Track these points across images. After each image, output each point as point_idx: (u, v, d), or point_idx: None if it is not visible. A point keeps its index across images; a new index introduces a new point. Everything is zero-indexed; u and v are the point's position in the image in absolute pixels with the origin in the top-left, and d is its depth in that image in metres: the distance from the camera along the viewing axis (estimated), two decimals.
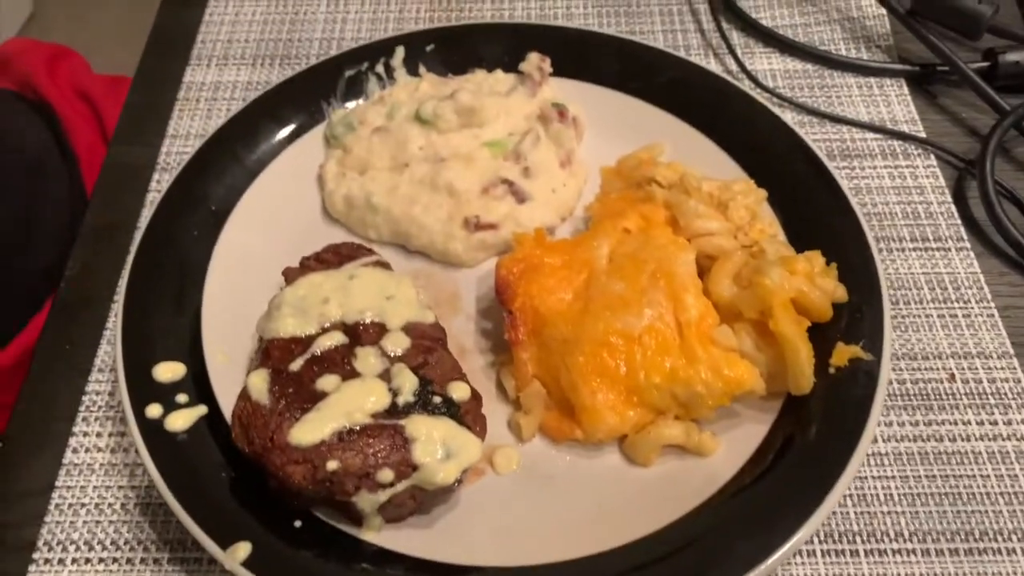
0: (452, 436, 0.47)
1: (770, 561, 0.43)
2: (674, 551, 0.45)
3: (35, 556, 0.50)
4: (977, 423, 0.53)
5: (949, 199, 0.64)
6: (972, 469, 0.52)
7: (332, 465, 0.44)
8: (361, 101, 0.68)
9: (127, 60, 0.89)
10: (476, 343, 0.57)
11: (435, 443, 0.46)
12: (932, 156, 0.67)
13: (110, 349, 0.59)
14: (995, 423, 0.53)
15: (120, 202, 0.68)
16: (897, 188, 0.65)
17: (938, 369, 0.56)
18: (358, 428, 0.46)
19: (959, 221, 0.63)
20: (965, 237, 0.62)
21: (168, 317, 0.55)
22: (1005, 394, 0.55)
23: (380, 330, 0.50)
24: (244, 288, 0.57)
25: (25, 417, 0.56)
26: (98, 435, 0.55)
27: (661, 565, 0.44)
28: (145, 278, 0.55)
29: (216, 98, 0.75)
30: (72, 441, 0.55)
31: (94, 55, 1.12)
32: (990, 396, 0.54)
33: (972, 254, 0.61)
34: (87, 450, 0.54)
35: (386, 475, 0.45)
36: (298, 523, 0.47)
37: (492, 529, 0.48)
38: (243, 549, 0.44)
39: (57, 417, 0.56)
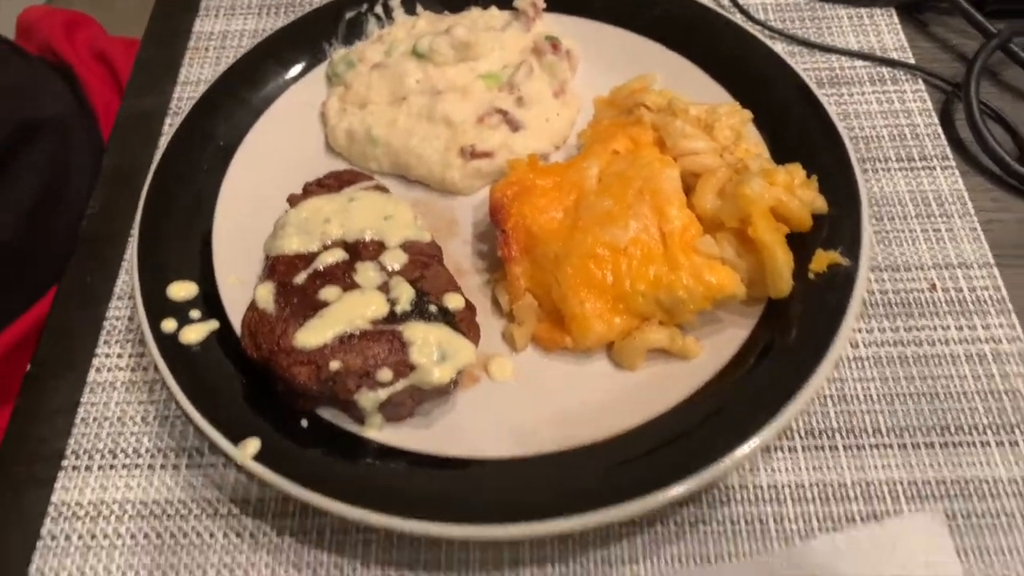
0: (447, 340, 0.49)
1: (746, 448, 0.45)
2: (657, 441, 0.47)
3: (64, 464, 0.54)
4: (956, 328, 0.55)
5: (936, 121, 0.66)
6: (950, 370, 0.54)
7: (334, 365, 0.47)
8: (361, 41, 0.70)
9: (140, 23, 0.92)
10: (472, 263, 0.59)
11: (431, 346, 0.49)
12: (920, 81, 0.68)
13: (128, 279, 0.62)
14: (973, 328, 0.55)
15: (135, 146, 0.71)
16: (885, 112, 0.67)
17: (920, 279, 0.58)
18: (358, 333, 0.49)
19: (945, 141, 0.64)
20: (950, 156, 0.63)
21: (181, 243, 0.58)
22: (985, 301, 0.56)
23: (379, 247, 0.53)
24: (252, 216, 0.59)
25: (52, 343, 0.60)
26: (119, 356, 0.58)
27: (645, 454, 0.47)
28: (159, 207, 0.59)
29: (224, 46, 0.77)
30: (95, 362, 0.58)
31: (108, 19, 1.15)
32: (970, 303, 0.56)
33: (957, 172, 0.63)
34: (109, 370, 0.58)
35: (385, 375, 0.48)
36: (304, 423, 0.50)
37: (488, 428, 0.51)
38: (252, 445, 0.47)
39: (81, 342, 0.59)
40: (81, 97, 1.02)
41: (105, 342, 0.59)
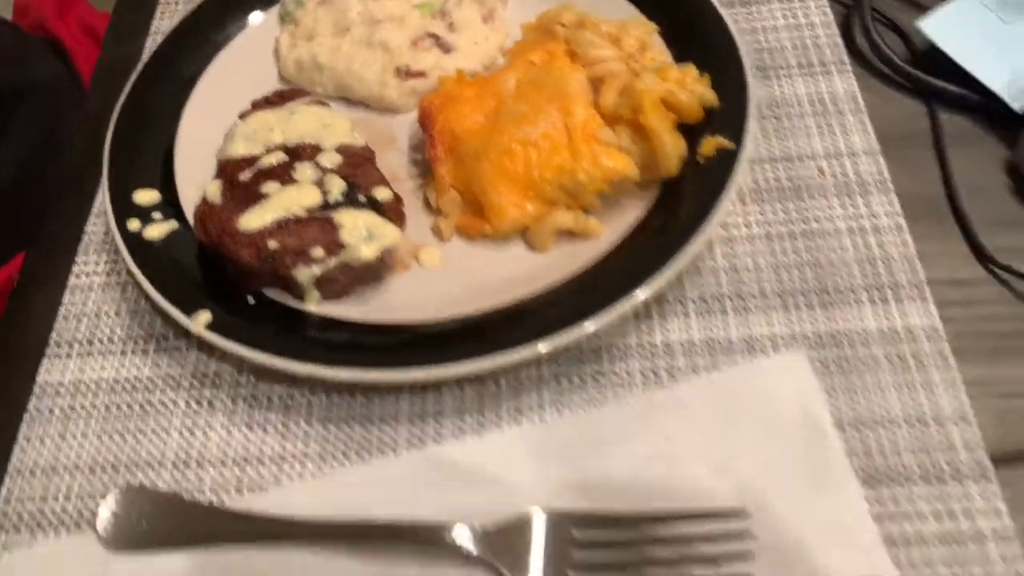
0: (374, 224, 0.56)
1: (639, 294, 0.52)
2: (563, 297, 0.55)
3: (47, 352, 0.61)
4: (841, 207, 0.61)
5: (836, 32, 0.71)
6: (833, 242, 0.59)
7: (272, 244, 0.54)
8: None
9: None
10: (407, 171, 0.66)
11: (359, 228, 0.55)
12: None
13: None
14: (856, 206, 0.61)
15: (112, 91, 0.78)
16: (790, 26, 0.72)
17: (811, 167, 0.63)
18: (294, 218, 0.55)
19: (843, 48, 0.70)
20: (847, 61, 0.69)
21: (146, 158, 0.65)
22: (868, 183, 0.62)
23: (316, 150, 0.60)
24: (210, 135, 0.66)
25: (36, 256, 0.67)
26: (95, 264, 0.65)
27: (553, 307, 0.54)
28: (128, 127, 0.66)
29: (191, 1, 0.84)
30: (75, 269, 0.65)
31: None
32: (855, 185, 0.62)
33: (852, 75, 0.68)
34: (87, 275, 0.65)
35: (318, 252, 0.54)
36: (251, 300, 0.57)
37: (417, 302, 0.57)
38: (204, 317, 0.54)
39: (62, 253, 0.66)
40: (71, 66, 1.12)
41: (84, 252, 0.66)
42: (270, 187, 0.57)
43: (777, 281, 0.58)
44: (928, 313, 0.55)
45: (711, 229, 0.54)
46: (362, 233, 0.55)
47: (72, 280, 0.65)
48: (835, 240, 0.59)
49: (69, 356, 0.60)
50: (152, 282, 0.56)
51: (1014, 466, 0.49)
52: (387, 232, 0.56)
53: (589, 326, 0.51)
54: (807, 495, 0.48)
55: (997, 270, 0.57)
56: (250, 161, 0.59)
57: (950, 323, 0.55)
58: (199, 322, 0.54)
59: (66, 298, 0.64)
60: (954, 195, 0.61)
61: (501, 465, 0.51)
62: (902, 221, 0.60)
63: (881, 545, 0.47)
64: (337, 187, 0.57)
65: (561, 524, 0.48)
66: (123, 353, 0.60)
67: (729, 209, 0.60)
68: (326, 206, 0.56)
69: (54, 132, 1.02)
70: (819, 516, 0.47)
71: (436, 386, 0.56)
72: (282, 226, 0.55)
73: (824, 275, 0.58)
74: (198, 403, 0.57)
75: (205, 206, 0.57)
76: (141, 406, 0.57)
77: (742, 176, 0.57)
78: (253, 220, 0.55)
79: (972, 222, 0.59)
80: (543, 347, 0.51)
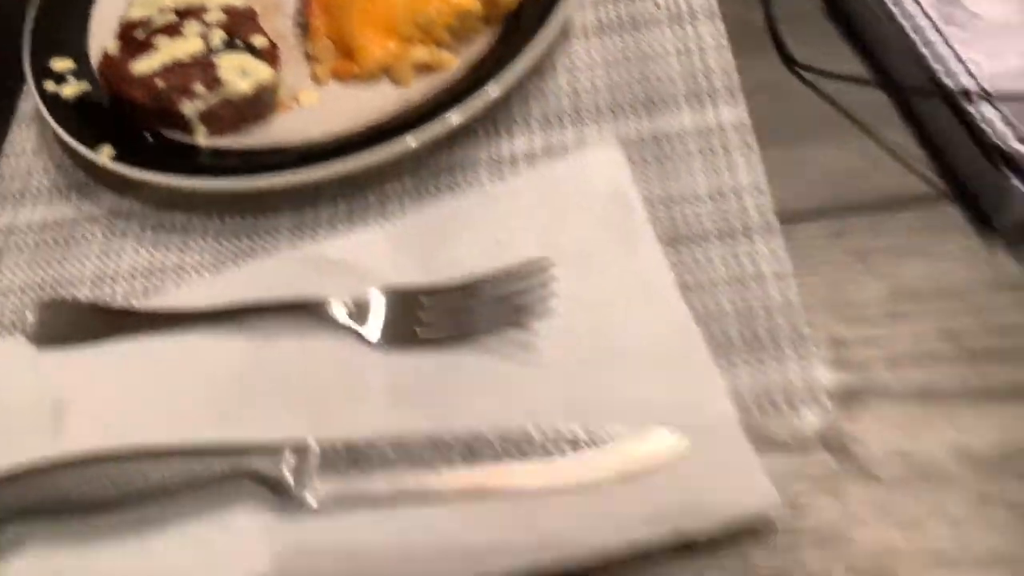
0: (249, 64, 0.64)
1: (489, 92, 0.60)
2: (424, 106, 0.63)
3: None
4: (672, 34, 0.68)
5: None
6: (662, 63, 0.67)
7: (160, 84, 0.63)
8: None
9: None
10: (291, 31, 0.73)
11: (236, 67, 0.64)
12: None
13: None
14: (686, 32, 0.68)
15: None
16: None
17: (648, 3, 0.71)
18: (179, 63, 0.64)
19: None
20: None
21: (63, 35, 0.73)
22: (697, 13, 0.69)
23: (202, 10, 0.68)
24: (120, 15, 0.74)
25: None
26: (27, 133, 0.74)
27: (416, 114, 0.62)
28: (45, 12, 0.74)
29: None
30: (8, 138, 0.74)
31: None
32: (686, 16, 0.69)
33: None
34: (20, 143, 0.73)
35: (200, 88, 0.63)
36: (149, 137, 0.65)
37: (297, 129, 0.65)
38: (108, 150, 0.63)
39: None
40: None
41: (17, 126, 0.75)
42: (160, 41, 0.65)
43: (611, 98, 0.66)
44: (739, 111, 0.63)
45: (551, 31, 0.63)
46: (238, 71, 0.63)
47: (6, 148, 0.73)
48: (664, 61, 0.67)
49: (3, 208, 0.69)
50: (65, 129, 0.65)
51: (797, 223, 0.57)
52: (261, 70, 0.64)
53: (453, 118, 0.60)
54: (614, 256, 0.56)
55: (803, 72, 0.65)
56: (145, 22, 0.67)
57: (757, 117, 0.62)
58: (104, 155, 0.63)
59: (0, 163, 0.72)
60: (772, 18, 0.68)
61: (366, 256, 0.60)
62: (725, 42, 0.67)
63: (677, 290, 0.55)
64: (218, 36, 0.65)
65: (408, 295, 0.56)
66: (49, 202, 0.69)
67: (568, 29, 0.68)
68: (208, 52, 0.65)
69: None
70: (623, 272, 0.56)
71: (313, 202, 0.64)
72: (169, 69, 0.63)
73: (651, 89, 0.66)
74: (112, 232, 0.66)
75: (106, 58, 0.66)
76: (65, 240, 0.66)
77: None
78: (143, 66, 0.63)
79: (786, 38, 0.67)
80: (411, 140, 0.59)
